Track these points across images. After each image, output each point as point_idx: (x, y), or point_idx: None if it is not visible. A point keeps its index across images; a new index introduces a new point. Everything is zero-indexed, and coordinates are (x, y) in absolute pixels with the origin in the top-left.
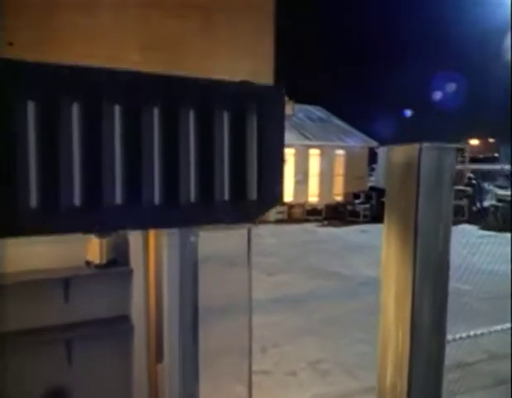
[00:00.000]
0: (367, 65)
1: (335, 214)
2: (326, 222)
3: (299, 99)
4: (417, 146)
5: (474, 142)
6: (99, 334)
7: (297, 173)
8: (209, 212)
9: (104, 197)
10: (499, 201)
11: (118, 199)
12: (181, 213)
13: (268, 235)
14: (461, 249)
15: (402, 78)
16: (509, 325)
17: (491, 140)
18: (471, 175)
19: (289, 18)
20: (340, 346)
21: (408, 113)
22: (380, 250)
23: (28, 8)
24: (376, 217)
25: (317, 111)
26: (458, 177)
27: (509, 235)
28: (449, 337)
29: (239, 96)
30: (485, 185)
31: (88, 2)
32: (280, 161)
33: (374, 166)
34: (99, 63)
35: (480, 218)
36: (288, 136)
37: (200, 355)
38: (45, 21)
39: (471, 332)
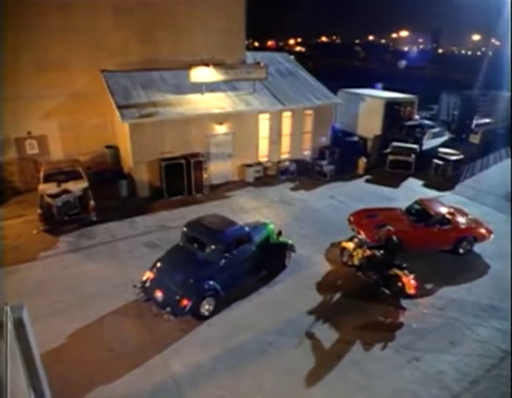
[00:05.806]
0: None
1: (305, 171)
2: (298, 183)
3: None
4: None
5: (404, 33)
6: None
7: (271, 135)
8: None
9: None
10: (441, 159)
11: None
12: None
13: (250, 208)
14: None
15: None
16: None
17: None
18: (417, 116)
19: None
20: None
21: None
22: None
23: None
24: (339, 171)
25: (284, 60)
26: (407, 114)
27: (447, 193)
28: None
29: None
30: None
31: None
32: None
33: None
34: (75, 31)
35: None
36: (264, 100)
37: None
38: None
39: None
